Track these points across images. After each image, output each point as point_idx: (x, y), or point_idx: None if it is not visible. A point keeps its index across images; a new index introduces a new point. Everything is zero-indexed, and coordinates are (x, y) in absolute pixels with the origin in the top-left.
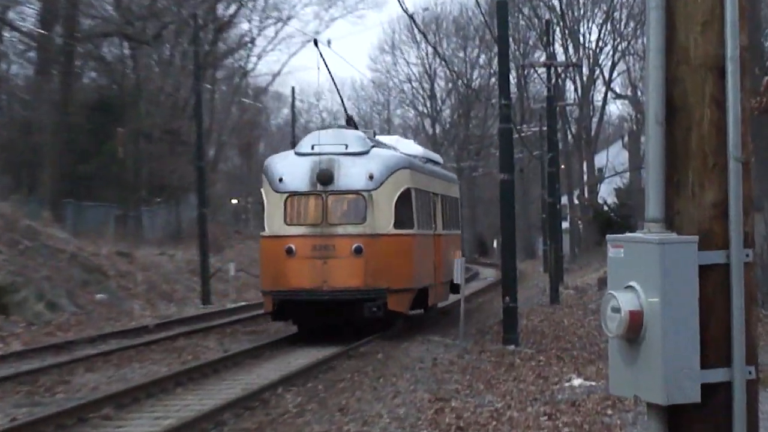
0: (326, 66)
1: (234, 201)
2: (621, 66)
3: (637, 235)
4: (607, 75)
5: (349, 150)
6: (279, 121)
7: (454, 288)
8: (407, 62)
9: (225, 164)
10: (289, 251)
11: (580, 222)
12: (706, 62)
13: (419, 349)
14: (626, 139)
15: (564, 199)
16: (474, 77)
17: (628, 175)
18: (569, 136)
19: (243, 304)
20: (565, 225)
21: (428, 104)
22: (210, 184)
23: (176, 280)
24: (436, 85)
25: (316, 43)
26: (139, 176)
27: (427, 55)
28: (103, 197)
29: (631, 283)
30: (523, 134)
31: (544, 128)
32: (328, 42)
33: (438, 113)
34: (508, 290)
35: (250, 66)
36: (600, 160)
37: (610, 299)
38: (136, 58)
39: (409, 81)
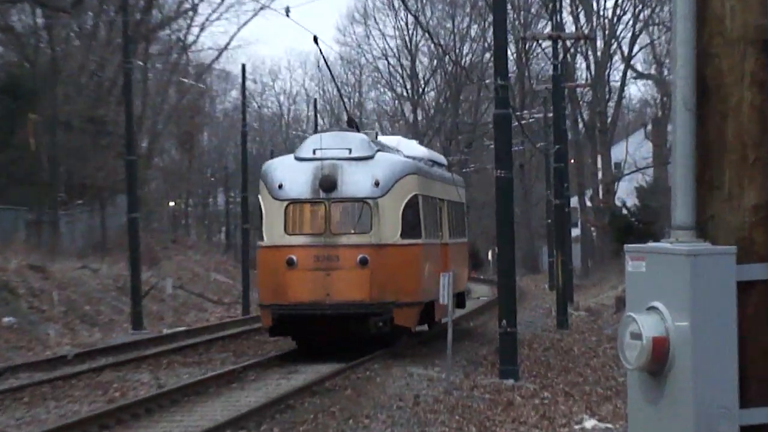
0: (328, 68)
1: (172, 204)
2: (643, 39)
3: (662, 244)
4: (626, 50)
5: (353, 154)
6: (226, 106)
7: (460, 302)
8: (383, 34)
9: (161, 159)
10: (290, 262)
11: (593, 229)
12: (745, 34)
13: (398, 384)
14: (649, 127)
15: (574, 201)
16: (464, 52)
17: (651, 171)
18: (580, 124)
19: (183, 329)
20: (575, 232)
21: (408, 85)
22: (142, 183)
23: (101, 299)
24: (417, 63)
25: (315, 40)
26: (56, 174)
27: (406, 25)
28: (12, 199)
29: (655, 304)
30: (524, 122)
31: (550, 114)
32: (287, 10)
33: (420, 96)
34: (505, 312)
35: (190, 39)
36: (618, 153)
37: (629, 323)
38: (52, 29)
39: (385, 57)
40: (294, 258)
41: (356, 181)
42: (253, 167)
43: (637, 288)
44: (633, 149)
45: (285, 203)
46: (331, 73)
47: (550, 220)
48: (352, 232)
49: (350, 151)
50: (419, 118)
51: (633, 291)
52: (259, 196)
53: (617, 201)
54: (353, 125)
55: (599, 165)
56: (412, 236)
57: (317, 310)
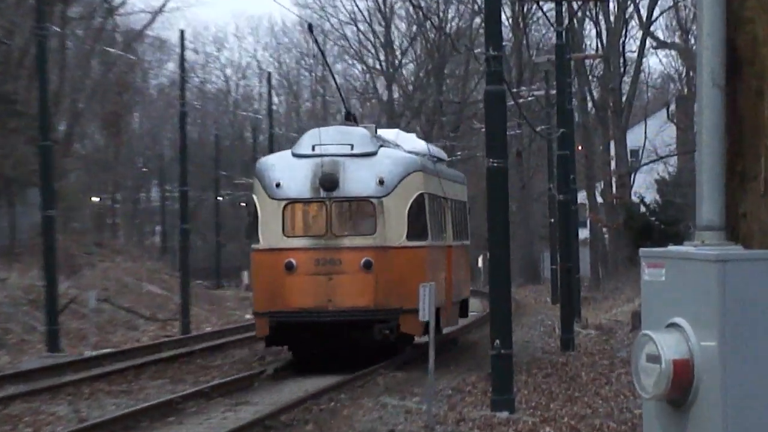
0: (323, 56)
1: (96, 199)
2: (665, 0)
3: (685, 248)
4: (644, 14)
5: (355, 151)
6: (162, 81)
7: (463, 310)
8: None
9: (82, 145)
10: (289, 266)
11: (605, 230)
12: None
13: (368, 418)
14: (673, 107)
15: (582, 197)
16: (449, 17)
17: (675, 160)
18: (589, 104)
19: (109, 351)
20: (583, 234)
21: (382, 57)
22: (60, 175)
23: (10, 315)
24: (393, 29)
25: (310, 28)
26: None
27: None
28: None
29: (677, 320)
30: (521, 101)
31: (553, 92)
32: None
33: (396, 70)
34: (499, 330)
35: (117, 0)
36: (635, 138)
37: (644, 343)
38: None
39: (354, 22)
40: (293, 262)
41: (359, 179)
42: (194, 155)
43: (654, 301)
44: (653, 134)
45: (283, 203)
46: (328, 65)
47: (553, 220)
48: (356, 233)
49: (352, 147)
50: (395, 96)
51: (650, 304)
52: (254, 196)
53: (634, 196)
54: (352, 120)
55: (612, 153)
56: (418, 238)
57: (319, 318)
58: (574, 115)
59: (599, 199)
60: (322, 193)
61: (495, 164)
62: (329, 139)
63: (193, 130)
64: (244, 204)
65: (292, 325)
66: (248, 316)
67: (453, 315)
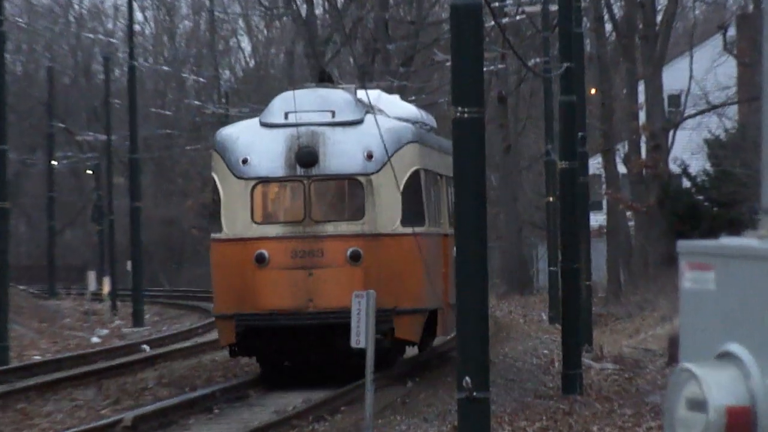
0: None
1: None
2: None
3: (747, 241)
4: None
5: (338, 119)
6: None
7: None
8: None
9: None
10: (260, 259)
11: (630, 214)
12: None
13: None
14: (732, 32)
15: (595, 165)
16: None
17: (735, 111)
18: (608, 27)
19: None
20: (598, 220)
21: None
22: None
23: None
24: None
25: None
26: None
27: None
28: None
29: (732, 348)
30: (505, 20)
31: (553, 8)
32: None
33: None
34: (469, 363)
35: None
36: (676, 78)
37: (684, 382)
38: None
39: None
40: (265, 254)
41: (343, 152)
42: (15, 98)
43: (699, 319)
44: (702, 71)
45: (251, 183)
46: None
47: (551, 199)
48: (340, 219)
49: (333, 114)
50: (317, 11)
51: (692, 324)
52: (214, 174)
53: (673, 165)
54: (327, 80)
55: (642, 100)
56: (414, 223)
57: (297, 321)
58: (584, 43)
59: (621, 169)
60: (299, 171)
61: (465, 115)
62: (305, 104)
63: (15, 62)
64: (91, 172)
65: (263, 330)
66: (96, 339)
67: (451, 320)
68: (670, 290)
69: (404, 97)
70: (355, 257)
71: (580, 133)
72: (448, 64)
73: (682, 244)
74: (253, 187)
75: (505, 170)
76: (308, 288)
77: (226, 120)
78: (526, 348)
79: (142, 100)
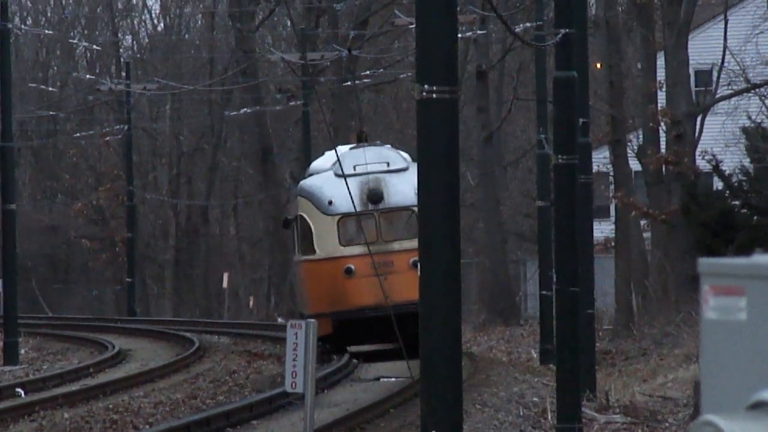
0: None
1: None
2: None
3: None
4: None
5: (392, 167)
6: None
7: None
8: None
9: None
10: (348, 271)
11: (644, 222)
12: None
13: None
14: None
15: (600, 159)
16: None
17: None
18: None
19: None
20: (605, 230)
21: None
22: None
23: None
24: None
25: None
26: None
27: None
28: None
29: (767, 395)
30: None
31: None
32: None
33: None
34: (436, 415)
35: None
36: (703, 49)
37: None
38: None
39: None
40: (352, 267)
41: (398, 191)
42: None
43: (726, 358)
44: (739, 41)
45: (337, 217)
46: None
47: (543, 202)
48: (402, 238)
49: (388, 164)
50: None
51: (718, 365)
52: (303, 213)
53: (701, 160)
54: (365, 138)
55: (660, 77)
56: None
57: (378, 312)
58: (586, 5)
59: (634, 166)
60: (370, 206)
61: (433, 95)
62: (369, 159)
63: None
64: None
65: (354, 322)
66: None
67: None
68: (696, 321)
69: (354, 74)
70: (416, 265)
71: (581, 120)
72: (412, 27)
73: (705, 263)
74: (339, 221)
75: (485, 166)
76: (384, 289)
77: (127, 99)
78: (511, 395)
79: (18, 72)
